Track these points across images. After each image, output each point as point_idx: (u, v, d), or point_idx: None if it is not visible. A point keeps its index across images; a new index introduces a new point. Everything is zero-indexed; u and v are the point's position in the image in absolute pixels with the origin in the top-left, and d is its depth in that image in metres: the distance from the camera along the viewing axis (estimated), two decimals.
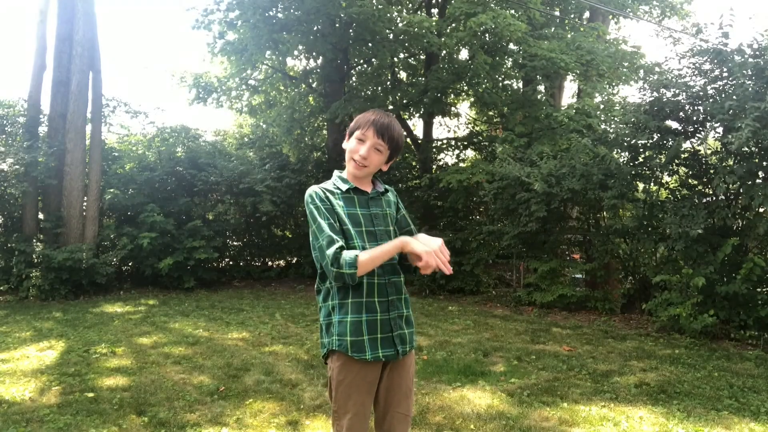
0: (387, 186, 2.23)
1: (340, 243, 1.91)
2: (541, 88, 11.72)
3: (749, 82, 6.02)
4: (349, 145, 2.08)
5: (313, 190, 2.05)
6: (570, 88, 15.06)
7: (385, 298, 2.02)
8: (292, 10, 10.61)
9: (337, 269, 1.88)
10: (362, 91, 12.89)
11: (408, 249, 1.93)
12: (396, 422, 2.08)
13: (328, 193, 2.05)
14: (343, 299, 1.99)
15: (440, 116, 14.44)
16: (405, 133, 13.46)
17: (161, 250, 9.71)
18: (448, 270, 1.93)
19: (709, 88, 6.52)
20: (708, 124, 6.54)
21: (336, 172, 2.16)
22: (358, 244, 1.98)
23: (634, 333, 6.56)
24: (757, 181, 6.19)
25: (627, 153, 7.70)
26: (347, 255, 1.88)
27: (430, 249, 1.90)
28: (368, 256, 1.90)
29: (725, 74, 6.35)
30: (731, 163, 6.30)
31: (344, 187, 2.07)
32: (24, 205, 9.56)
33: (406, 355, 2.09)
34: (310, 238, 2.06)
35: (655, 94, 6.96)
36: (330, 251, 1.89)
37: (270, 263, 12.01)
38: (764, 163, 6.24)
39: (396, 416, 2.08)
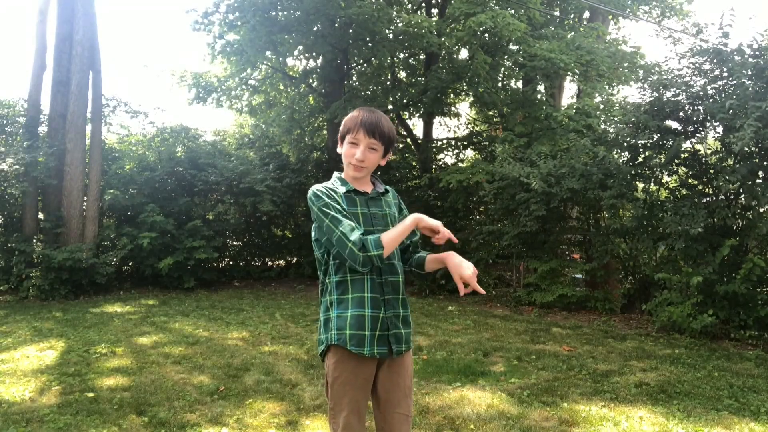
0: (387, 186, 2.24)
1: (362, 229, 1.97)
2: (541, 88, 11.72)
3: (749, 82, 6.02)
4: (343, 150, 2.09)
5: (316, 188, 2.06)
6: (570, 88, 15.08)
7: (383, 297, 2.03)
8: (291, 11, 10.61)
9: (364, 253, 1.90)
10: (362, 91, 12.89)
11: (423, 224, 2.04)
12: (397, 423, 2.08)
13: (330, 191, 2.07)
14: (342, 294, 2.01)
15: (440, 116, 14.44)
16: (405, 132, 13.53)
17: (161, 250, 9.71)
18: (479, 290, 2.03)
19: (709, 88, 6.51)
20: (708, 124, 6.54)
21: (335, 174, 2.17)
22: None
23: (634, 333, 6.56)
24: (758, 180, 6.19)
25: (627, 153, 7.70)
26: (372, 237, 1.93)
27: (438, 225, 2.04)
28: (390, 236, 1.96)
29: (725, 74, 6.35)
30: (731, 162, 6.30)
31: (343, 189, 2.09)
32: (24, 205, 9.56)
33: (403, 355, 2.10)
34: (314, 235, 2.07)
35: (655, 94, 6.96)
36: (354, 237, 1.91)
37: (270, 263, 12.01)
38: (764, 163, 6.24)
39: (396, 417, 2.09)
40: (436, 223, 2.04)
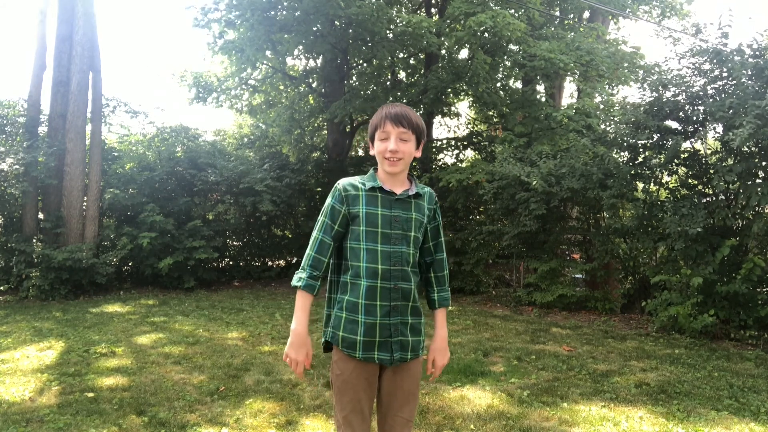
0: (426, 189, 2.15)
1: (315, 254, 2.02)
2: (541, 88, 11.70)
3: (749, 81, 6.02)
4: (375, 149, 2.06)
5: (339, 184, 2.07)
6: (570, 88, 15.08)
7: (388, 303, 2.00)
8: (290, 11, 10.61)
9: (296, 276, 2.04)
10: (362, 91, 12.89)
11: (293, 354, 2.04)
12: (398, 426, 2.08)
13: (351, 189, 2.04)
14: (341, 294, 2.04)
15: (440, 116, 14.43)
16: None
17: (161, 250, 9.71)
18: (436, 374, 2.26)
19: (708, 88, 6.52)
20: (708, 124, 6.54)
21: (372, 170, 2.12)
22: (366, 246, 1.99)
23: (634, 333, 6.56)
24: (757, 180, 6.19)
25: (626, 153, 7.71)
26: (301, 273, 2.02)
27: (289, 353, 2.02)
28: (299, 300, 2.02)
29: (725, 74, 6.35)
30: (731, 162, 6.31)
31: (369, 185, 2.05)
32: (24, 205, 9.55)
33: (409, 362, 2.08)
34: None
35: (654, 94, 6.97)
36: (305, 258, 2.05)
37: (270, 263, 12.00)
38: (764, 163, 6.24)
39: (397, 420, 2.08)
40: (287, 351, 2.06)
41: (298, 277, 2.01)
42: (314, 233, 2.05)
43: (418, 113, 13.01)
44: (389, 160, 2.01)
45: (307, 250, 2.04)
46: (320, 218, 2.05)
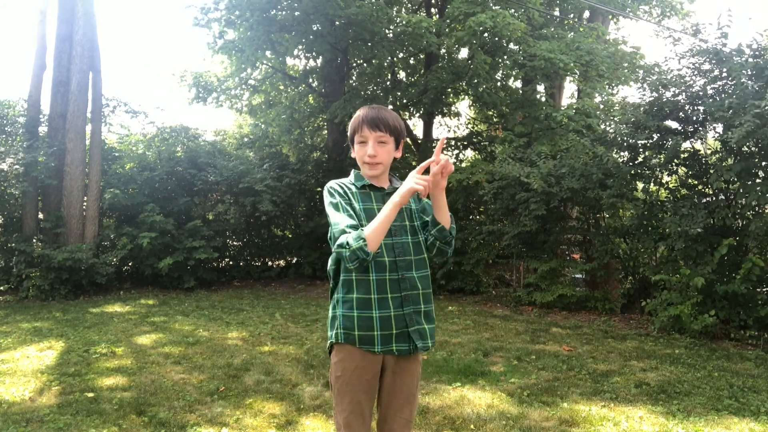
0: None
1: (352, 231, 1.89)
2: (541, 88, 11.69)
3: (749, 81, 6.02)
4: (355, 152, 2.10)
5: (330, 184, 2.07)
6: (570, 88, 15.08)
7: (398, 294, 2.01)
8: (290, 11, 10.61)
9: (348, 249, 1.85)
10: (362, 91, 12.89)
11: (407, 193, 1.87)
12: (398, 427, 2.09)
13: (345, 188, 2.06)
14: (347, 293, 2.01)
15: (440, 116, 14.42)
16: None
17: (161, 250, 9.71)
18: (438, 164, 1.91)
19: (708, 88, 6.52)
20: (708, 124, 6.55)
21: (354, 171, 2.16)
22: None
23: (634, 333, 6.56)
24: (756, 180, 6.19)
25: (626, 153, 7.71)
26: (354, 233, 1.87)
27: (411, 179, 1.89)
28: (372, 226, 1.88)
29: (725, 74, 6.35)
30: (731, 162, 6.31)
31: (359, 183, 2.09)
32: (24, 205, 9.55)
33: (410, 361, 2.08)
34: (329, 233, 2.06)
35: (654, 94, 6.97)
36: (341, 239, 1.89)
37: (270, 263, 12.00)
38: (763, 163, 6.25)
39: (397, 421, 2.09)
40: (410, 185, 1.86)
41: (356, 238, 1.85)
42: (336, 213, 1.97)
43: (418, 113, 13.15)
44: (369, 164, 2.05)
45: (340, 224, 1.92)
46: (333, 206, 1.99)
